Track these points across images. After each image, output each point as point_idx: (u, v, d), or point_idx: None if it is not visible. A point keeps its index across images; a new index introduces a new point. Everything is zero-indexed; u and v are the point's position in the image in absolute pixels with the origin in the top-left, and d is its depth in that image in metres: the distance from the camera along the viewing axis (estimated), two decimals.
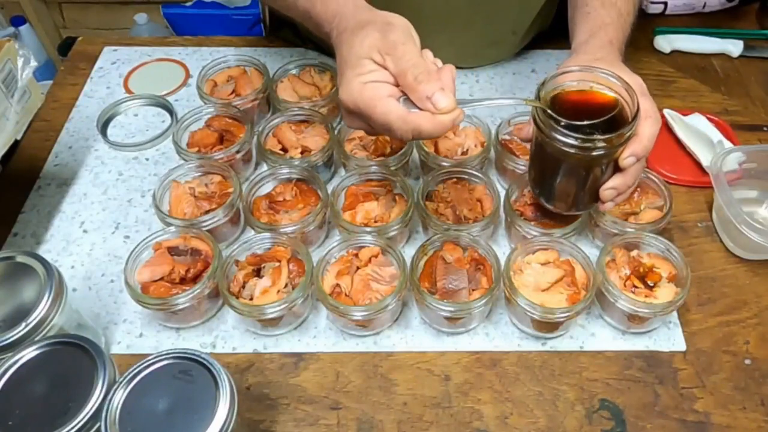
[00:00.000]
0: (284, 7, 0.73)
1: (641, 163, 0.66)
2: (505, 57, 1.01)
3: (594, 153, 0.62)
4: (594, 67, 0.65)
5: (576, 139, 0.61)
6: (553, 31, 1.05)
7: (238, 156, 0.83)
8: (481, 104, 0.64)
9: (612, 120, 0.63)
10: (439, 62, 0.61)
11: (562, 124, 0.61)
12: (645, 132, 0.63)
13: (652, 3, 1.11)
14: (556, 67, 1.02)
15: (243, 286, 0.70)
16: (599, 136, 0.61)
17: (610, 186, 0.66)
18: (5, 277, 0.60)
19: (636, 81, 0.66)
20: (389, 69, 0.58)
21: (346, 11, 0.64)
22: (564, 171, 0.67)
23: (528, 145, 0.83)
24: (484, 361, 0.69)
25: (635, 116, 0.62)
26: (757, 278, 0.76)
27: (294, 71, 0.94)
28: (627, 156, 0.64)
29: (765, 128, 0.93)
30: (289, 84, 0.92)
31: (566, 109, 0.64)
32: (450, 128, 0.58)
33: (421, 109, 0.58)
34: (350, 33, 0.61)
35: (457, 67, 0.98)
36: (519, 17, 0.95)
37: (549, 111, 0.62)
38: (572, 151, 0.62)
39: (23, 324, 0.56)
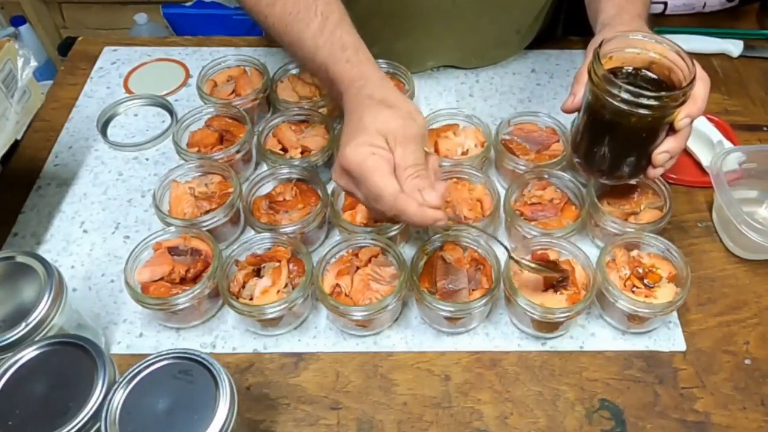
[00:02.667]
0: (300, 58, 0.73)
1: (691, 127, 0.67)
2: (509, 57, 1.01)
3: (653, 113, 0.63)
4: (648, 33, 0.67)
5: (640, 96, 0.61)
6: (553, 31, 1.06)
7: (238, 156, 0.83)
8: (466, 227, 0.71)
9: (659, 83, 0.65)
10: (439, 172, 0.66)
11: (624, 85, 0.62)
12: (699, 93, 0.64)
13: (652, 3, 1.11)
14: (557, 67, 1.03)
15: (243, 286, 0.70)
16: (665, 93, 0.62)
17: (664, 149, 0.67)
18: (5, 277, 0.60)
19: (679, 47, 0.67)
20: (395, 157, 0.61)
21: (373, 77, 0.66)
22: (617, 136, 0.67)
23: (527, 146, 0.83)
24: (484, 361, 0.69)
25: (694, 77, 0.62)
26: (757, 278, 0.76)
27: (294, 71, 0.94)
28: (683, 117, 0.64)
29: (765, 128, 0.93)
30: (289, 84, 0.92)
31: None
32: (430, 224, 0.60)
33: None
34: (376, 104, 0.63)
35: (461, 68, 1.00)
36: (523, 16, 0.95)
37: (609, 75, 0.63)
38: (632, 110, 0.62)
39: (23, 324, 0.56)
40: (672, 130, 0.66)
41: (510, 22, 0.95)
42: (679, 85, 0.64)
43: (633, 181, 0.78)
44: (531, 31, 0.99)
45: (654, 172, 0.69)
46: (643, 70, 0.68)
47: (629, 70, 0.67)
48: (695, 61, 0.65)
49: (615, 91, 0.63)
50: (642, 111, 0.62)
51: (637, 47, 0.67)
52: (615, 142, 0.68)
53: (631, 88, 0.62)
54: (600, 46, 0.65)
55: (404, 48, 0.94)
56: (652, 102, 0.62)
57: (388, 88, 0.66)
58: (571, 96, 0.71)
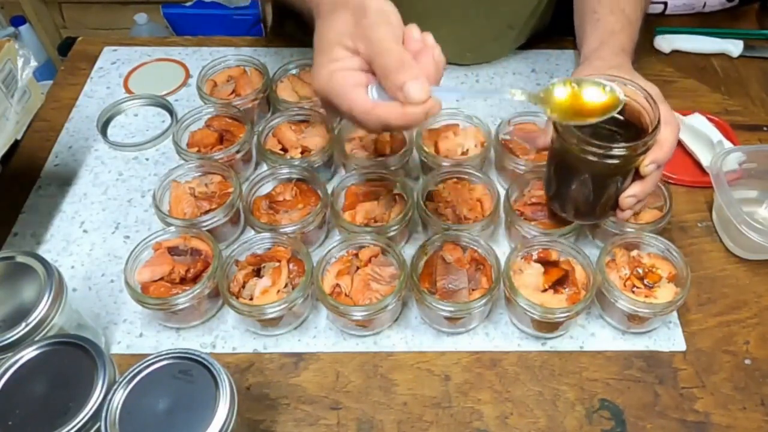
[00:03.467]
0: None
1: (660, 170, 0.66)
2: (504, 53, 1.01)
3: (616, 161, 0.63)
4: (614, 76, 0.65)
5: (600, 147, 0.61)
6: (552, 30, 1.05)
7: (238, 156, 0.83)
8: (463, 94, 0.61)
9: (633, 128, 0.64)
10: (429, 39, 0.56)
11: (586, 132, 0.62)
12: (666, 139, 0.64)
13: (652, 3, 1.11)
14: (557, 67, 1.03)
15: (243, 286, 0.70)
16: (624, 144, 0.62)
17: (630, 194, 0.66)
18: (5, 277, 0.60)
19: (653, 89, 0.66)
20: (361, 55, 0.55)
21: None
22: (584, 180, 0.67)
23: (527, 146, 0.83)
24: (484, 361, 0.69)
25: (658, 123, 0.62)
26: (757, 278, 0.76)
27: (294, 71, 0.94)
28: (648, 163, 0.64)
29: (765, 128, 0.93)
30: (289, 84, 0.92)
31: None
32: (423, 120, 0.54)
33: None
34: (324, 16, 0.58)
35: (457, 64, 1.00)
36: (515, 12, 0.95)
37: (570, 126, 0.62)
38: (595, 159, 0.62)
39: (23, 324, 0.56)
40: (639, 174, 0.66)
41: (501, 17, 0.95)
42: (647, 129, 0.63)
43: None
44: (526, 27, 0.98)
45: (622, 215, 0.69)
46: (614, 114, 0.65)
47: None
48: (664, 103, 0.65)
49: (575, 142, 0.62)
50: (605, 161, 0.62)
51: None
52: (581, 187, 0.68)
53: (590, 139, 0.61)
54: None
55: None
56: (614, 152, 0.62)
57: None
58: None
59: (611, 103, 0.59)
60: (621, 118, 0.65)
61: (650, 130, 0.62)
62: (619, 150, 0.62)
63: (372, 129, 0.56)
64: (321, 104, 0.60)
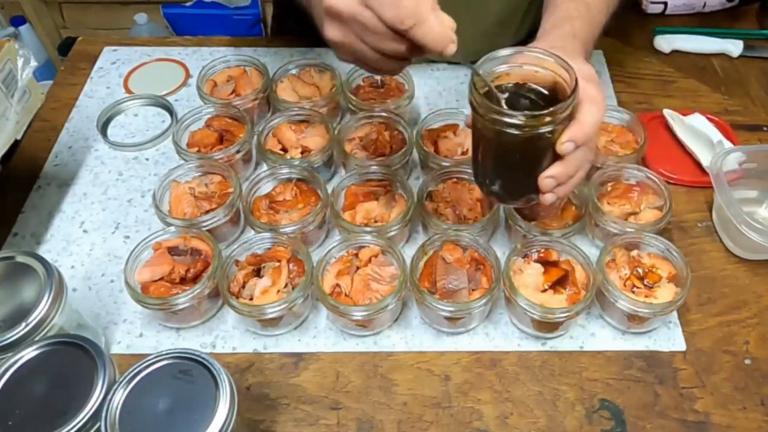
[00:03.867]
0: None
1: (584, 152, 0.61)
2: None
3: (528, 133, 0.57)
4: (530, 48, 0.62)
5: (509, 115, 0.57)
6: None
7: (238, 156, 0.83)
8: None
9: (556, 104, 0.59)
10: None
11: (495, 100, 0.58)
12: (586, 118, 0.59)
13: (652, 3, 1.12)
14: None
15: (243, 286, 0.70)
16: (530, 112, 0.57)
17: (549, 174, 0.61)
18: (5, 277, 0.60)
19: (585, 68, 0.62)
20: None
21: None
22: (502, 156, 0.63)
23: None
24: (484, 361, 0.69)
25: (571, 94, 0.57)
26: (757, 278, 0.76)
27: (294, 71, 0.94)
28: (565, 140, 0.59)
29: (765, 128, 0.93)
30: (289, 84, 0.92)
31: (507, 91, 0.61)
32: (444, 46, 0.58)
33: None
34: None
35: (449, 65, 1.00)
36: (504, 10, 0.94)
37: (482, 77, 0.59)
38: (506, 129, 0.57)
39: (23, 324, 0.56)
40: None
41: (489, 16, 0.94)
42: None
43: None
44: (520, 26, 0.98)
45: (543, 199, 0.63)
46: (539, 88, 0.62)
47: (509, 88, 0.62)
48: (595, 83, 0.61)
49: (482, 112, 0.58)
50: (511, 130, 0.57)
51: (529, 63, 0.62)
52: (496, 164, 0.64)
53: (494, 107, 0.57)
54: (476, 64, 0.61)
55: None
56: (517, 120, 0.57)
57: None
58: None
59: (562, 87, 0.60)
60: (546, 93, 0.61)
61: (559, 104, 0.57)
62: (521, 118, 0.57)
63: (404, 23, 0.55)
64: (329, 30, 0.59)
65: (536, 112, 0.57)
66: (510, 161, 0.63)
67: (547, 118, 0.57)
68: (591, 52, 0.73)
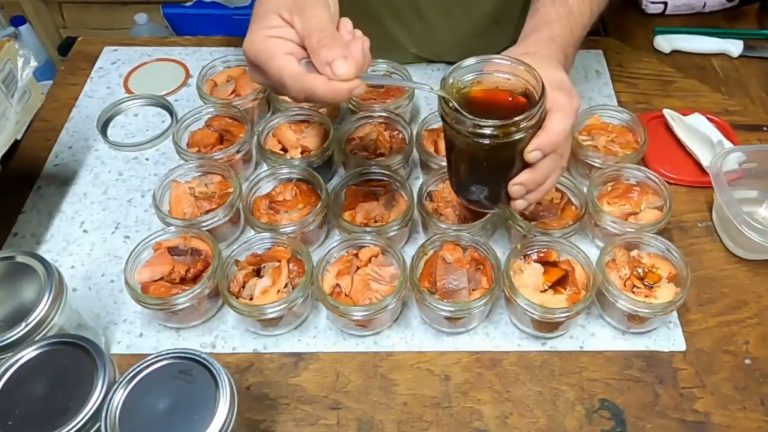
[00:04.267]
0: None
1: (552, 159, 0.62)
2: (492, 50, 1.00)
3: (494, 141, 0.58)
4: (500, 56, 0.62)
5: (474, 126, 0.57)
6: None
7: (238, 156, 0.83)
8: (385, 82, 0.62)
9: (521, 110, 0.59)
10: (358, 33, 0.60)
11: (460, 111, 0.59)
12: (553, 126, 0.59)
13: (652, 3, 1.12)
14: None
15: (243, 286, 0.70)
16: (492, 122, 0.57)
17: (518, 181, 0.62)
18: (5, 277, 0.60)
19: (557, 76, 0.62)
20: (296, 29, 0.57)
21: None
22: (469, 163, 0.64)
23: None
24: (484, 361, 0.69)
25: (537, 104, 0.58)
26: (757, 278, 0.76)
27: None
28: (532, 149, 0.59)
29: (765, 128, 0.93)
30: None
31: (475, 98, 0.62)
32: (346, 98, 0.57)
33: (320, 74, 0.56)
34: None
35: (444, 61, 0.99)
36: (498, 8, 0.93)
37: (446, 96, 0.59)
38: (474, 139, 0.58)
39: (23, 324, 0.56)
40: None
41: (482, 14, 0.94)
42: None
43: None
44: (518, 24, 0.97)
45: (514, 205, 0.64)
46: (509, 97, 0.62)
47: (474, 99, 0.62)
48: (565, 90, 0.61)
49: (449, 122, 0.59)
50: (479, 140, 0.58)
51: (498, 71, 0.62)
52: (468, 172, 0.65)
53: (461, 117, 0.58)
54: (448, 73, 0.61)
55: (377, 33, 0.93)
56: (483, 130, 0.57)
57: None
58: None
59: (523, 103, 0.60)
60: (521, 101, 0.62)
61: (525, 113, 0.58)
62: (487, 128, 0.57)
63: (295, 96, 0.57)
64: (249, 71, 0.62)
65: (502, 122, 0.57)
66: (480, 169, 0.64)
67: (513, 128, 0.58)
68: (573, 55, 0.73)
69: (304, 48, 0.58)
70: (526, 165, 0.62)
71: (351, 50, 0.57)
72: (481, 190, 0.67)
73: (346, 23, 0.60)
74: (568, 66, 0.70)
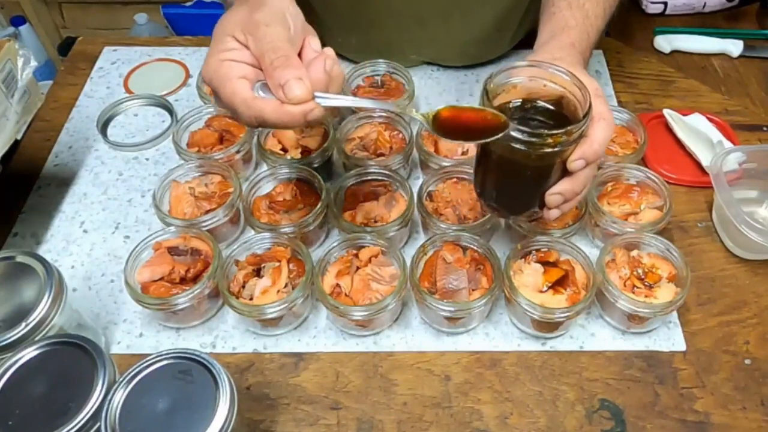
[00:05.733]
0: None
1: (591, 169, 0.62)
2: (494, 55, 1.00)
3: (540, 151, 0.58)
4: (544, 62, 0.62)
5: (522, 133, 0.57)
6: None
7: (238, 156, 0.83)
8: (351, 104, 0.58)
9: (563, 119, 0.61)
10: (328, 50, 0.57)
11: (509, 116, 0.58)
12: (597, 135, 0.60)
13: (652, 3, 1.12)
14: None
15: (243, 286, 0.70)
16: (546, 131, 0.57)
17: (557, 191, 0.62)
18: (5, 277, 0.60)
19: (591, 83, 0.62)
20: (251, 49, 0.55)
21: None
22: (509, 172, 0.63)
23: None
24: (484, 361, 0.69)
25: (586, 114, 0.58)
26: (757, 278, 0.76)
27: None
28: (576, 158, 0.59)
29: (765, 128, 0.93)
30: None
31: (446, 119, 0.60)
32: (301, 122, 0.54)
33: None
34: (233, 6, 0.58)
35: (448, 66, 1.00)
36: (498, 15, 0.93)
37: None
38: (518, 146, 0.57)
39: (23, 324, 0.56)
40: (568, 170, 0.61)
41: (486, 20, 0.93)
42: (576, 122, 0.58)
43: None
44: (518, 30, 0.98)
45: (548, 215, 0.64)
46: (545, 105, 0.62)
47: (517, 105, 0.63)
48: (602, 98, 0.61)
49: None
50: (523, 148, 0.57)
51: (539, 77, 0.62)
52: (504, 179, 0.64)
53: (517, 126, 0.57)
54: (489, 77, 0.61)
55: (379, 39, 0.94)
56: (534, 140, 0.57)
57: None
58: None
59: (495, 124, 0.57)
60: (553, 109, 0.62)
61: (575, 124, 0.58)
62: (539, 137, 0.57)
63: (248, 122, 0.55)
64: (214, 99, 0.59)
65: (552, 131, 0.57)
66: (518, 177, 0.63)
67: (563, 138, 0.57)
68: (589, 59, 0.73)
69: (260, 68, 0.55)
70: (564, 174, 0.62)
71: (311, 70, 0.54)
72: (513, 199, 0.66)
73: (312, 41, 0.57)
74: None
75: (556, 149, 0.58)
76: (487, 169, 0.65)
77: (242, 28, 0.55)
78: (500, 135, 0.56)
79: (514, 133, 0.57)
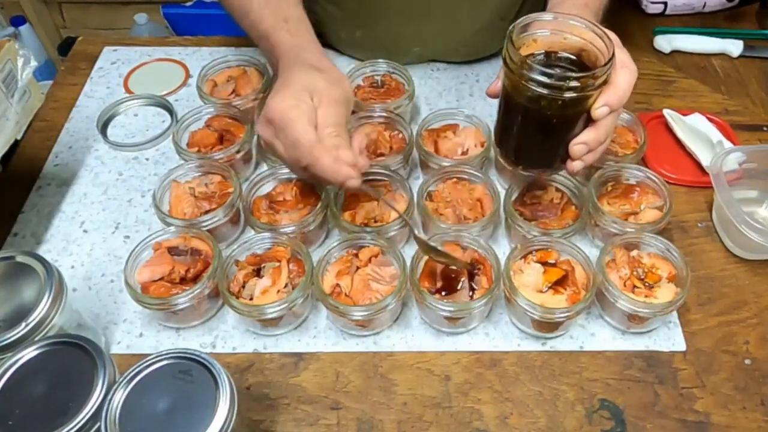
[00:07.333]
0: (246, 25, 0.80)
1: (614, 117, 0.63)
2: (496, 48, 1.00)
3: (566, 95, 0.58)
4: (566, 14, 0.63)
5: (549, 77, 0.57)
6: None
7: (238, 156, 0.83)
8: (370, 193, 0.73)
9: (585, 69, 0.61)
10: (362, 153, 0.69)
11: (535, 62, 0.59)
12: (620, 82, 0.61)
13: (652, 3, 1.12)
14: None
15: (243, 286, 0.70)
16: (572, 74, 0.58)
17: (581, 140, 0.63)
18: (5, 277, 0.60)
19: (613, 36, 0.63)
20: (317, 115, 0.65)
21: (310, 47, 0.73)
22: (532, 122, 0.63)
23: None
24: (484, 361, 0.69)
25: (610, 59, 0.58)
26: (757, 278, 0.76)
27: None
28: (600, 105, 0.60)
29: (765, 128, 0.93)
30: None
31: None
32: (341, 181, 0.65)
33: None
34: (307, 67, 0.69)
35: (448, 62, 1.00)
36: (503, 2, 0.94)
37: (516, 53, 0.59)
38: (544, 92, 0.58)
39: (23, 324, 0.56)
40: (592, 120, 0.62)
41: (488, 8, 0.94)
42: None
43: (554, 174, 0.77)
44: (519, 18, 0.98)
45: (572, 166, 0.65)
46: (568, 55, 0.64)
47: (541, 55, 0.64)
48: (623, 49, 0.62)
49: (519, 71, 0.59)
50: (554, 94, 0.58)
51: (560, 29, 0.63)
52: (527, 130, 0.65)
53: (542, 69, 0.58)
54: (513, 27, 0.62)
55: (386, 32, 0.95)
56: (562, 83, 0.58)
57: (322, 58, 0.72)
58: (496, 79, 0.67)
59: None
60: (575, 59, 0.63)
61: (599, 67, 0.58)
62: (568, 81, 0.57)
63: (299, 161, 0.65)
64: (260, 122, 0.69)
65: (579, 74, 0.58)
66: (542, 129, 0.64)
67: (589, 80, 0.58)
68: (600, 21, 0.73)
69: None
70: (586, 125, 0.63)
71: (354, 147, 0.67)
72: (536, 151, 0.67)
73: (361, 139, 0.71)
74: None
75: (581, 94, 0.59)
76: (510, 119, 0.66)
77: (319, 95, 0.66)
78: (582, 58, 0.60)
79: (540, 78, 0.58)
